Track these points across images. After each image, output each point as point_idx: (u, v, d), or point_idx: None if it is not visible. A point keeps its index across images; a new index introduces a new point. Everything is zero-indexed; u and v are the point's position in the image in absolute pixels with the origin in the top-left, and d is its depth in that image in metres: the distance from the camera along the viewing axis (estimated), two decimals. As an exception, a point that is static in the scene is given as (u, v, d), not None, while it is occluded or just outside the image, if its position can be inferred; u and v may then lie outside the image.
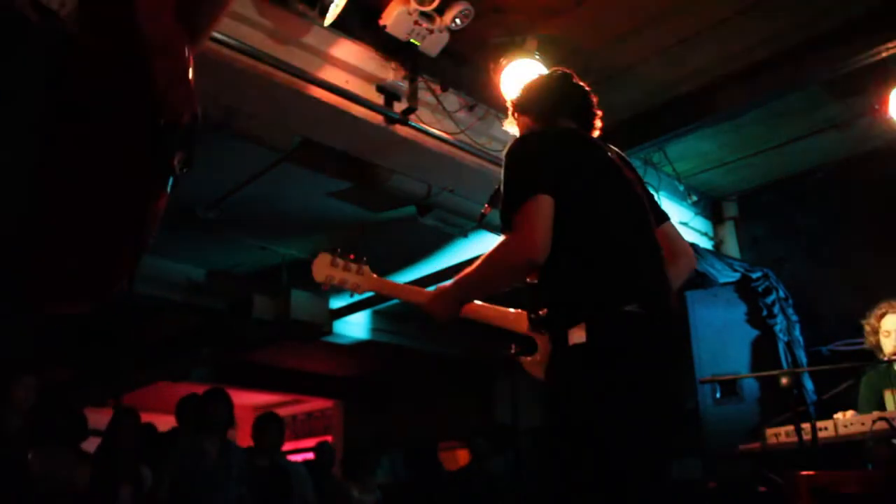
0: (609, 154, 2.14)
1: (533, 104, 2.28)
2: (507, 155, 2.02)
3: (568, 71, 2.36)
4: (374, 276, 2.37)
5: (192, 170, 1.15)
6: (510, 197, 1.92)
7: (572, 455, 1.78)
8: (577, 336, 1.79)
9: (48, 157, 0.98)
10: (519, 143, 2.06)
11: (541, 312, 1.99)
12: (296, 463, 5.69)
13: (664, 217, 2.24)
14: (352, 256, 2.31)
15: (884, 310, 3.75)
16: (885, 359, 3.66)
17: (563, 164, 1.96)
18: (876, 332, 3.74)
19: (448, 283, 2.15)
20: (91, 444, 4.68)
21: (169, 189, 1.12)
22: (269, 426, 5.25)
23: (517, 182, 1.94)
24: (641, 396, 1.79)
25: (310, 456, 6.64)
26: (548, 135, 2.12)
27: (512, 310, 2.24)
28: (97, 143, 1.02)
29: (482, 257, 1.96)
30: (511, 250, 1.89)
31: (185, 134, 1.10)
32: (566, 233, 1.87)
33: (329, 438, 10.23)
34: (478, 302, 2.22)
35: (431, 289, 2.31)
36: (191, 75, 1.15)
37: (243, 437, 7.86)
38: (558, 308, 1.91)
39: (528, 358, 2.18)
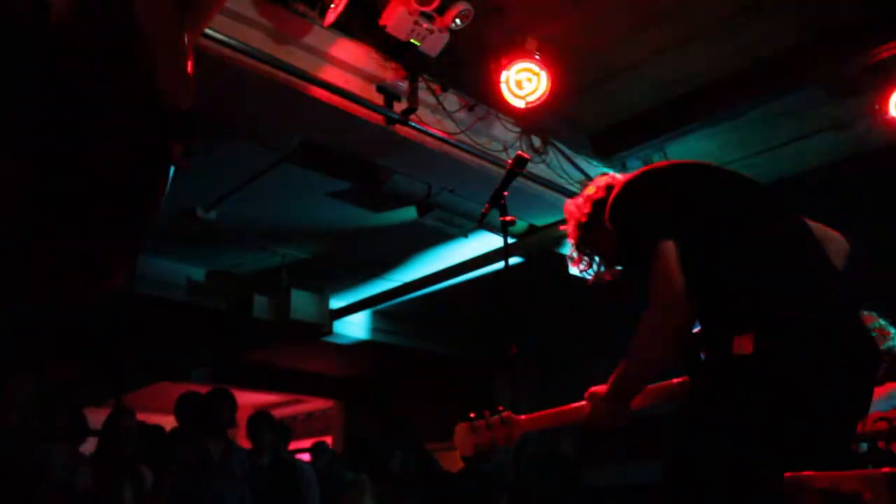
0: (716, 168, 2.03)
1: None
2: (617, 202, 1.91)
3: None
4: (521, 417, 2.11)
5: (190, 160, 1.14)
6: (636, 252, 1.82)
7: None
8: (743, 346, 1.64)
9: (46, 147, 0.98)
10: (625, 188, 1.93)
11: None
12: (303, 462, 5.72)
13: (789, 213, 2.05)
14: (486, 413, 2.08)
15: None
16: None
17: (687, 194, 1.87)
18: None
19: (601, 387, 1.94)
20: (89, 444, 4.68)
21: (169, 178, 1.12)
22: (264, 425, 5.32)
23: (635, 232, 1.84)
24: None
25: (306, 457, 6.64)
26: (655, 170, 2.00)
27: (676, 380, 2.04)
28: (95, 131, 1.02)
29: (632, 344, 1.79)
30: (657, 323, 1.73)
31: (184, 122, 1.10)
32: (706, 266, 1.74)
33: (329, 439, 10.23)
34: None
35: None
36: (189, 64, 1.15)
37: (243, 437, 7.84)
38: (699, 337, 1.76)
39: None
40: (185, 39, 1.15)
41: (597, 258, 2.15)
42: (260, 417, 5.47)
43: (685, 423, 1.73)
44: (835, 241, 1.98)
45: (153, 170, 1.08)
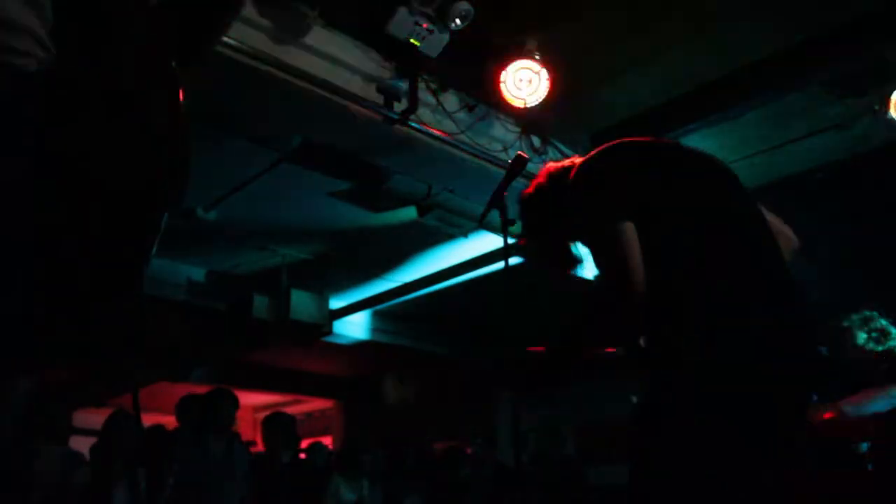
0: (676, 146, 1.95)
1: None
2: (575, 184, 1.83)
3: None
4: None
5: (184, 199, 1.15)
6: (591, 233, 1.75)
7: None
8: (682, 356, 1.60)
9: (46, 187, 1.00)
10: (582, 170, 1.85)
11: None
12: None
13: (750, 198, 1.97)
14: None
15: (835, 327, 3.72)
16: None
17: (643, 176, 1.79)
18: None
19: (539, 350, 1.91)
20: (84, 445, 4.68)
21: (164, 221, 1.14)
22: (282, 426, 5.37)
23: (591, 214, 1.75)
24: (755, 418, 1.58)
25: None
26: (613, 151, 1.90)
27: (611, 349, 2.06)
28: (95, 165, 1.03)
29: (579, 316, 1.75)
30: (609, 300, 1.66)
31: (176, 159, 1.11)
32: (664, 251, 1.66)
33: (329, 439, 10.22)
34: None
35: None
36: (181, 99, 1.15)
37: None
38: (659, 329, 1.68)
39: None
40: (175, 74, 1.15)
41: (549, 241, 2.12)
42: (277, 418, 5.52)
43: (642, 427, 1.66)
44: (784, 237, 1.93)
45: (151, 204, 1.09)
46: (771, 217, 1.92)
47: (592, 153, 1.90)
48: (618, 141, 1.90)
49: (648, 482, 1.59)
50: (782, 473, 1.67)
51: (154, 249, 1.13)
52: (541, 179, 2.07)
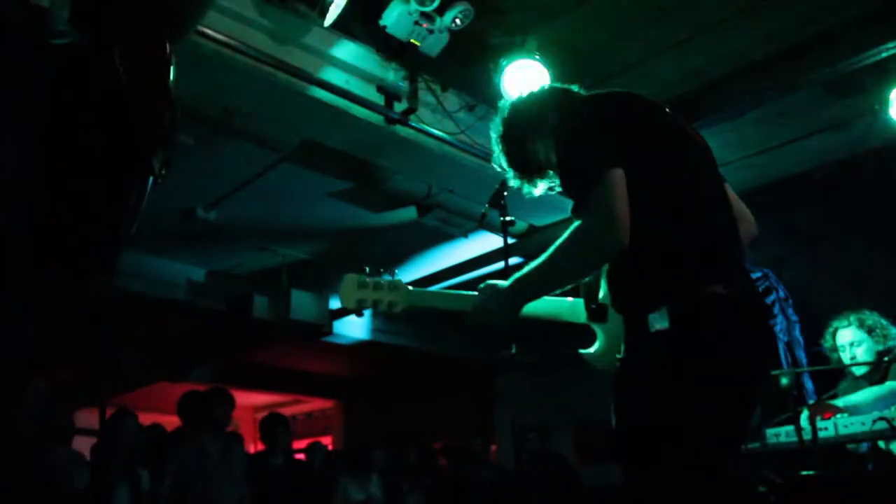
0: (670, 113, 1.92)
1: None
2: (562, 126, 1.81)
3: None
4: (410, 287, 2.08)
5: (171, 170, 1.15)
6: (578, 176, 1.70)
7: (653, 452, 1.59)
8: (660, 322, 1.60)
9: (39, 158, 0.99)
10: (572, 112, 1.84)
11: (600, 300, 1.84)
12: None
13: (722, 177, 1.94)
14: (381, 271, 2.08)
15: (835, 326, 3.72)
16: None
17: (632, 130, 1.76)
18: (834, 349, 3.73)
19: (501, 282, 1.85)
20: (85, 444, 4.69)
21: (149, 189, 1.13)
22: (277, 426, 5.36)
23: (581, 157, 1.71)
24: (730, 386, 1.62)
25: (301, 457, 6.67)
26: (606, 99, 1.87)
27: (568, 299, 2.04)
28: (77, 144, 1.02)
29: (553, 247, 1.69)
30: (591, 235, 1.63)
31: (163, 134, 1.11)
32: (642, 207, 1.64)
33: (329, 439, 10.23)
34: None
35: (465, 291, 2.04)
36: (171, 74, 1.15)
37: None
38: (636, 292, 1.70)
39: (591, 350, 2.00)
40: (166, 51, 1.15)
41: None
42: (275, 419, 5.52)
43: (622, 403, 1.70)
44: (745, 223, 1.92)
45: (132, 183, 1.08)
46: (736, 200, 1.93)
47: (589, 96, 1.91)
48: (613, 90, 1.90)
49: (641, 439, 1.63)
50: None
51: (134, 228, 1.12)
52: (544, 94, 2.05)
